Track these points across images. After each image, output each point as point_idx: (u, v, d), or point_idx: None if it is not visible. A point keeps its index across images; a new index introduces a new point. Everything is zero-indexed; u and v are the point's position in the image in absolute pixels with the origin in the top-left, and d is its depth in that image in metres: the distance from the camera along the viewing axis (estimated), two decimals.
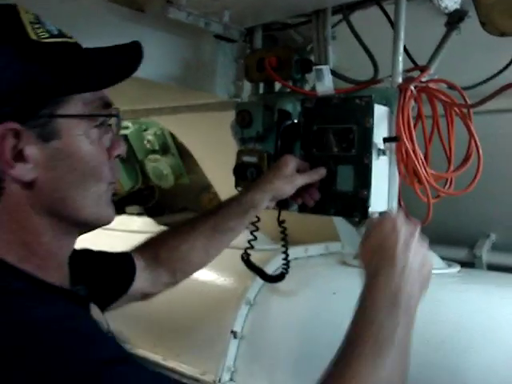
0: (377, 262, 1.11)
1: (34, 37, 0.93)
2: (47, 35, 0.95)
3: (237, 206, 1.54)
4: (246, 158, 1.78)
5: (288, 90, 1.80)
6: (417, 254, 1.16)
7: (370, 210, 1.51)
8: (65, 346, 0.81)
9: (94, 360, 0.81)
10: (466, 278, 1.97)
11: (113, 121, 1.06)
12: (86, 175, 0.98)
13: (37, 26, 0.95)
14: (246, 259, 1.78)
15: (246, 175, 1.76)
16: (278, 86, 1.90)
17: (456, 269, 2.02)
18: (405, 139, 1.55)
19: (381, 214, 1.52)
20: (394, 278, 1.08)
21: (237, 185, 1.81)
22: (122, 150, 1.06)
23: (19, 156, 0.92)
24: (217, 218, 1.55)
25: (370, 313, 1.05)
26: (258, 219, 1.73)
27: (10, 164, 0.91)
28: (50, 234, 0.98)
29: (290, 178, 1.54)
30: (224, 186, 2.26)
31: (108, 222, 1.06)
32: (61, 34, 0.99)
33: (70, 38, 1.01)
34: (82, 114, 0.96)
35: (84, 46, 1.67)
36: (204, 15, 1.81)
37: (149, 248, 1.55)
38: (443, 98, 1.58)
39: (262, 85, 1.92)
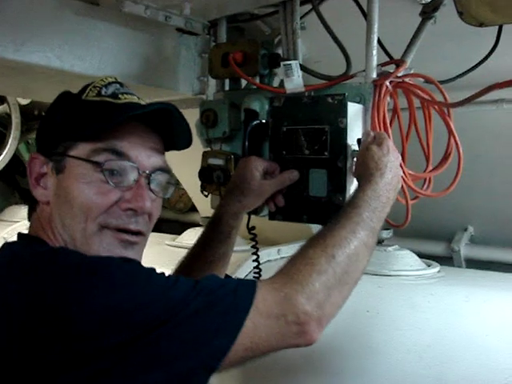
0: (371, 172, 1.29)
1: (83, 96, 1.18)
2: (94, 95, 1.17)
3: (219, 234, 1.50)
4: (212, 161, 1.67)
5: None
6: (397, 173, 1.34)
7: None
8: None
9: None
10: (447, 279, 1.91)
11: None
12: (75, 210, 1.11)
13: (96, 88, 1.18)
14: None
15: (213, 179, 1.65)
16: (245, 81, 1.79)
17: (435, 269, 1.95)
18: None
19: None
20: (383, 186, 1.28)
21: (203, 189, 1.70)
22: (134, 205, 1.14)
23: (42, 181, 1.16)
24: (207, 252, 1.52)
25: (358, 203, 1.24)
26: None
27: (34, 185, 1.17)
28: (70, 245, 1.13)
29: (259, 190, 1.45)
30: (192, 183, 2.16)
31: None
32: (112, 95, 1.17)
33: (125, 99, 1.18)
34: (75, 156, 1.12)
35: (35, 43, 1.60)
36: (163, 8, 1.70)
37: None
38: (421, 94, 1.48)
39: (227, 80, 1.81)
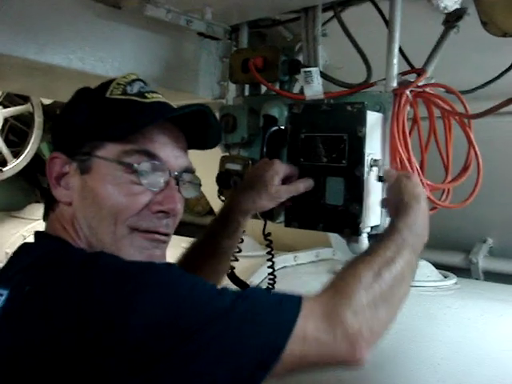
0: (407, 201, 1.28)
1: (107, 94, 1.14)
2: (119, 93, 1.14)
3: (226, 229, 1.49)
4: (230, 166, 1.67)
5: None
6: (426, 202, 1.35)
7: (362, 225, 1.40)
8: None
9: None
10: (464, 291, 1.88)
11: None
12: (104, 212, 1.08)
13: (120, 86, 1.15)
14: (229, 273, 1.66)
15: (230, 184, 1.65)
16: (264, 87, 1.78)
17: (452, 280, 1.93)
18: (399, 148, 1.44)
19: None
20: (420, 213, 1.28)
21: (220, 193, 1.70)
22: (166, 207, 1.12)
23: (63, 181, 1.12)
24: (211, 246, 1.52)
25: (399, 234, 1.22)
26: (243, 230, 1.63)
27: (54, 185, 1.13)
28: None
29: (275, 194, 1.43)
30: (210, 187, 2.18)
31: None
32: (138, 94, 1.14)
33: (152, 97, 1.15)
34: (105, 157, 1.09)
35: (57, 45, 1.61)
36: (185, 13, 1.70)
37: None
38: (442, 104, 1.46)
39: (247, 86, 1.80)
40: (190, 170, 1.19)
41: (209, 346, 0.93)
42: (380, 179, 1.41)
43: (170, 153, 1.13)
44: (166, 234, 1.15)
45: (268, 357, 0.96)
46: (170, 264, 1.07)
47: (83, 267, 0.98)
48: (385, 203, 1.41)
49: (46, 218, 1.18)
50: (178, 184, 1.14)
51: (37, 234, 1.17)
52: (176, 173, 1.14)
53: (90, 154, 1.10)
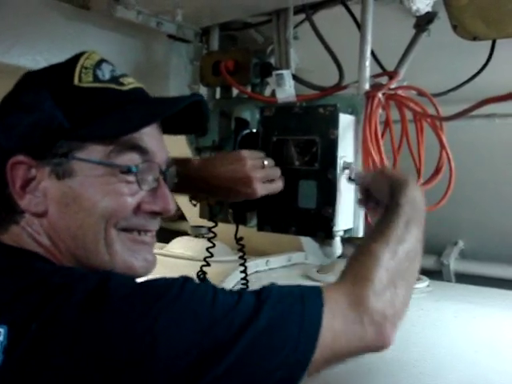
0: (400, 181, 1.23)
1: (76, 82, 0.98)
2: (90, 80, 0.99)
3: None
4: None
5: None
6: None
7: (335, 228, 1.39)
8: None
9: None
10: (436, 293, 1.88)
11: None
12: (93, 218, 0.97)
13: (88, 70, 0.99)
14: (201, 278, 1.64)
15: None
16: (236, 90, 1.77)
17: (425, 283, 1.93)
18: (372, 151, 1.44)
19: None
20: (416, 188, 1.23)
21: (192, 198, 1.68)
22: (161, 207, 1.04)
23: (30, 188, 0.97)
24: None
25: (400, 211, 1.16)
26: (215, 235, 1.61)
27: (20, 194, 0.97)
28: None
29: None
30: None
31: (135, 274, 1.02)
32: (113, 80, 1.01)
33: (129, 83, 1.03)
34: (92, 160, 0.97)
35: (24, 46, 1.58)
36: (155, 14, 1.68)
37: None
38: (414, 107, 1.47)
39: (218, 89, 1.79)
40: (171, 163, 1.10)
41: (239, 360, 0.86)
42: (350, 180, 1.40)
43: (156, 146, 1.03)
44: (152, 234, 1.08)
45: (296, 368, 0.90)
46: (186, 278, 0.93)
47: (93, 298, 0.85)
48: (363, 201, 1.37)
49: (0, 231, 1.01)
50: (165, 180, 1.06)
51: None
52: (163, 168, 1.05)
53: (67, 155, 0.96)
